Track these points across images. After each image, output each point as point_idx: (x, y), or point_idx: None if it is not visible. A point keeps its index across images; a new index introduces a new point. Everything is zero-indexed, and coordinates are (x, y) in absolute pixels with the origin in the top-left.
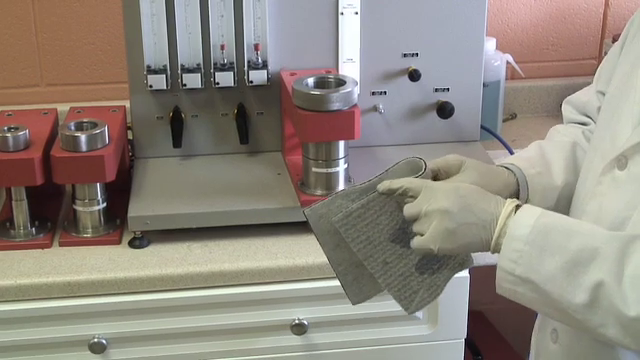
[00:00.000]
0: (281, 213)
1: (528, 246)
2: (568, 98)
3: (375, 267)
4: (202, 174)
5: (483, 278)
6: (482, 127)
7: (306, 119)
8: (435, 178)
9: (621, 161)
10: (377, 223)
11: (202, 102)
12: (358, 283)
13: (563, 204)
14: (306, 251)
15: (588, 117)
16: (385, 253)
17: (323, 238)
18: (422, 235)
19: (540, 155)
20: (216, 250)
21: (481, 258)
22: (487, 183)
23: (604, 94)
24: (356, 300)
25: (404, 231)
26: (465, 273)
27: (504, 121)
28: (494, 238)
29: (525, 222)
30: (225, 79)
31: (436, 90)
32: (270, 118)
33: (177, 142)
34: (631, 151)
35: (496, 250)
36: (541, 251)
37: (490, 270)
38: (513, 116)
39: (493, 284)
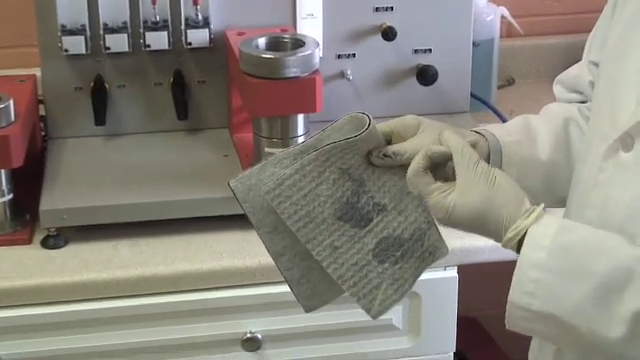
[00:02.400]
0: (227, 204)
1: (547, 273)
2: (558, 77)
3: (321, 253)
4: (131, 157)
5: (476, 278)
6: (472, 96)
7: (257, 89)
8: (389, 142)
9: (626, 141)
10: (317, 194)
11: (130, 69)
12: (308, 281)
13: (548, 187)
14: (258, 249)
15: (580, 93)
16: (332, 234)
17: (256, 218)
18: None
19: (524, 125)
20: (148, 250)
21: (472, 254)
22: None
23: (597, 65)
24: (309, 305)
25: (353, 206)
26: (453, 272)
27: (499, 88)
28: (506, 238)
29: (540, 242)
30: (158, 40)
31: (416, 51)
32: (214, 88)
33: (100, 118)
34: (638, 128)
35: (508, 246)
36: (563, 277)
37: (484, 268)
38: (510, 82)
39: (487, 285)
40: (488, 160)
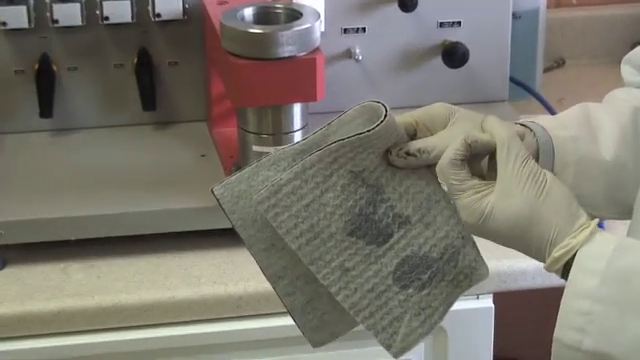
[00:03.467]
0: (206, 216)
1: (600, 304)
2: (628, 55)
3: (329, 276)
4: (85, 158)
5: (516, 309)
6: (512, 80)
7: (242, 72)
8: (413, 136)
9: None
10: (322, 204)
11: (84, 48)
12: (315, 309)
13: (613, 193)
14: (244, 273)
15: None
16: (342, 253)
17: (248, 233)
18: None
19: (583, 117)
20: (108, 273)
21: (512, 279)
22: None
23: None
24: (317, 338)
25: (368, 218)
26: (488, 302)
27: (546, 71)
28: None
29: (593, 266)
30: (118, 11)
31: (441, 25)
32: (188, 71)
33: (46, 109)
34: None
35: (553, 269)
36: (620, 309)
37: (526, 297)
38: (560, 63)
39: (531, 318)
40: (536, 159)
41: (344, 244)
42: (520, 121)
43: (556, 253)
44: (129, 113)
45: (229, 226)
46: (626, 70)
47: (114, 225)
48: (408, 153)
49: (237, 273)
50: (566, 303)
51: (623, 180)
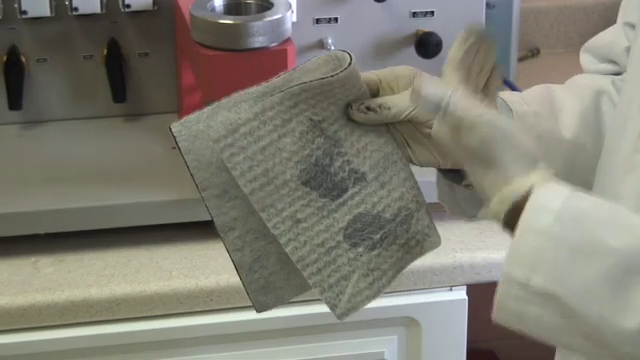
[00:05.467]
0: (177, 209)
1: (552, 242)
2: (586, 44)
3: (279, 225)
4: (54, 151)
5: (490, 300)
6: None
7: (213, 63)
8: (376, 95)
9: None
10: (279, 148)
11: (53, 39)
12: (262, 267)
13: (572, 171)
14: (217, 266)
15: (614, 63)
16: (295, 203)
17: (202, 175)
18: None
19: (546, 96)
20: (77, 268)
21: (485, 271)
22: None
23: (634, 27)
24: (261, 301)
25: (324, 169)
26: (462, 293)
27: (520, 60)
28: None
29: (548, 205)
30: (87, 2)
31: (414, 15)
32: (158, 62)
33: (15, 101)
34: None
35: (495, 216)
36: (573, 251)
37: None
38: (534, 52)
39: None
40: None
41: (297, 193)
42: None
43: (507, 188)
44: (99, 105)
45: (201, 219)
46: (586, 59)
47: (84, 219)
48: (369, 108)
49: (209, 266)
50: (517, 239)
51: (581, 161)
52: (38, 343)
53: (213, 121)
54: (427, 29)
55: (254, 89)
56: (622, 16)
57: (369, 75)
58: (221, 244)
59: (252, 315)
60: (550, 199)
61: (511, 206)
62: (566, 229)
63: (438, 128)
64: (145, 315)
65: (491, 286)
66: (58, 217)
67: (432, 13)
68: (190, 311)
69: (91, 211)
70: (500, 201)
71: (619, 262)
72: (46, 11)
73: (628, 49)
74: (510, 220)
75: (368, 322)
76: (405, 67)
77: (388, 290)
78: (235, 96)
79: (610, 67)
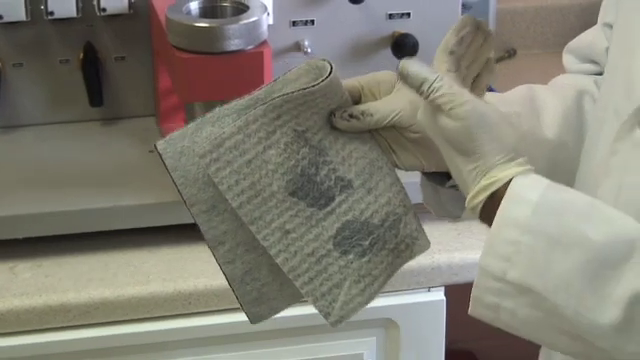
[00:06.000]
0: (154, 213)
1: (530, 235)
2: (569, 45)
3: (269, 237)
4: (31, 155)
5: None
6: None
7: (189, 66)
8: (358, 101)
9: None
10: (265, 160)
11: (29, 43)
12: (254, 280)
13: (553, 172)
14: (195, 270)
15: (596, 64)
16: (283, 214)
17: (189, 191)
18: None
19: (527, 96)
20: (55, 272)
21: (463, 271)
22: None
23: (612, 27)
24: (255, 312)
25: (310, 179)
26: (440, 294)
27: (497, 61)
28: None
29: (525, 197)
30: (63, 6)
31: (391, 16)
32: (135, 66)
33: None
34: None
35: (473, 208)
36: (550, 243)
37: None
38: (511, 53)
39: None
40: None
41: (285, 204)
42: None
43: (486, 181)
44: (76, 109)
45: (178, 222)
46: (568, 59)
47: (62, 223)
48: (351, 115)
49: (187, 270)
50: (494, 231)
51: (564, 159)
52: (16, 348)
53: (198, 137)
54: (403, 30)
55: (236, 102)
56: (602, 16)
57: (350, 82)
58: (199, 248)
59: (230, 318)
60: (528, 191)
61: (489, 197)
62: (544, 221)
63: (422, 113)
64: (123, 319)
65: (469, 287)
66: (36, 221)
67: (408, 15)
68: (168, 314)
69: (69, 215)
70: (478, 191)
71: (597, 255)
72: (22, 15)
73: (608, 49)
74: (488, 212)
75: (347, 324)
76: (386, 72)
77: None
78: (218, 110)
79: (592, 67)
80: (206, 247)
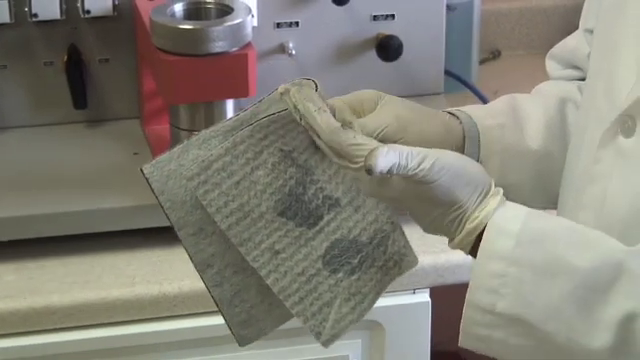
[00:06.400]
0: (140, 215)
1: (515, 266)
2: (551, 51)
3: (258, 258)
4: (15, 157)
5: (453, 303)
6: (447, 73)
7: (173, 68)
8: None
9: (626, 124)
10: (253, 181)
11: (12, 45)
12: (243, 301)
13: (539, 183)
14: (180, 272)
15: (578, 69)
16: (272, 235)
17: (177, 215)
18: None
19: (510, 107)
20: (39, 274)
21: (448, 273)
22: (416, 125)
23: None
24: (244, 334)
25: (298, 198)
26: (425, 296)
27: (482, 63)
28: (460, 233)
29: (507, 228)
30: (47, 8)
31: (375, 18)
32: (119, 68)
33: None
34: (639, 107)
35: (461, 249)
36: (536, 273)
37: (463, 291)
38: (495, 55)
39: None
40: (462, 149)
41: (274, 225)
42: (447, 109)
43: (470, 224)
44: (60, 111)
45: (163, 225)
46: (551, 65)
47: (46, 225)
48: None
49: (172, 272)
50: (480, 265)
51: (549, 170)
52: (0, 351)
53: (184, 159)
54: (388, 32)
55: (222, 124)
56: (582, 22)
57: (334, 101)
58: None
59: (215, 320)
60: (509, 222)
61: (477, 238)
62: (528, 252)
63: (384, 189)
64: (108, 321)
65: (455, 288)
66: (19, 224)
67: (393, 16)
68: (153, 317)
69: (53, 218)
70: (465, 236)
71: (583, 281)
72: (5, 17)
73: (590, 55)
74: (473, 250)
75: None
76: (368, 90)
77: None
78: (204, 133)
79: (575, 73)
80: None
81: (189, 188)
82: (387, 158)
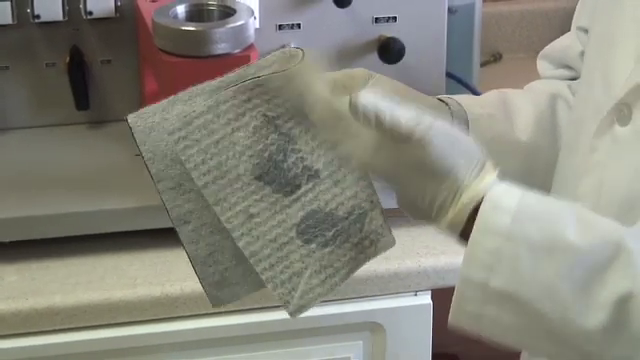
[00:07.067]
0: (141, 216)
1: (511, 242)
2: (543, 51)
3: (232, 219)
4: (17, 158)
5: None
6: (448, 75)
7: (175, 69)
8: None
9: (622, 112)
10: (232, 142)
11: (15, 46)
12: (217, 262)
13: (528, 174)
14: (182, 273)
15: (570, 69)
16: (248, 198)
17: (157, 167)
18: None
19: (500, 100)
20: (42, 276)
21: (450, 275)
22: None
23: (587, 31)
24: (217, 296)
25: (277, 165)
26: (426, 298)
27: (483, 65)
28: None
29: (504, 204)
30: (49, 9)
31: (377, 20)
32: (121, 69)
33: None
34: (635, 95)
35: (455, 225)
36: (532, 249)
37: None
38: (496, 57)
39: None
40: None
41: (250, 187)
42: (437, 96)
43: (465, 198)
44: (62, 112)
45: (165, 226)
46: (543, 65)
47: (48, 226)
48: None
49: (174, 273)
50: (475, 240)
51: (537, 164)
52: (2, 351)
53: (169, 114)
54: (390, 34)
55: (210, 83)
56: (575, 21)
57: (327, 78)
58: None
59: (217, 322)
60: (506, 198)
61: (471, 213)
62: (525, 228)
63: (376, 152)
64: (110, 322)
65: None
66: (21, 225)
67: (394, 19)
68: (155, 318)
69: (55, 219)
70: (460, 210)
71: (581, 260)
72: (8, 19)
73: (582, 54)
74: (466, 227)
75: (333, 328)
76: (360, 69)
77: (353, 295)
78: (192, 89)
79: (566, 73)
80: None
81: (170, 142)
82: (373, 96)
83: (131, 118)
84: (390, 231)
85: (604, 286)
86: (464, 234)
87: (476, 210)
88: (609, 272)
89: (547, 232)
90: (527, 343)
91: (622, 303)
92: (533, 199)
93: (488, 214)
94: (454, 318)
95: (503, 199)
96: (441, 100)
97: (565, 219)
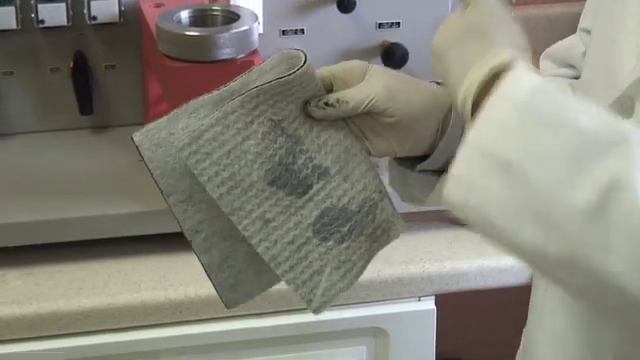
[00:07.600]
0: (145, 221)
1: (519, 113)
2: (546, 51)
3: (249, 227)
4: (21, 163)
5: (459, 310)
6: None
7: (179, 74)
8: (330, 90)
9: (625, 104)
10: (243, 151)
11: (19, 52)
12: (230, 267)
13: None
14: (185, 278)
15: (572, 67)
16: (263, 204)
17: (166, 182)
18: None
19: None
20: (45, 280)
21: (454, 281)
22: (404, 94)
23: (589, 32)
24: (231, 298)
25: (288, 168)
26: (430, 303)
27: None
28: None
29: (525, 79)
30: (53, 14)
31: (380, 26)
32: (125, 74)
33: None
34: (638, 88)
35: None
36: (540, 122)
37: (468, 298)
38: None
39: (473, 319)
40: (449, 118)
41: (265, 194)
42: (435, 80)
43: (494, 62)
44: (66, 117)
45: (169, 231)
46: (546, 64)
47: (52, 231)
48: (327, 104)
49: (177, 278)
50: (490, 106)
51: None
52: (6, 356)
53: (174, 128)
54: (393, 40)
55: (211, 95)
56: (581, 22)
57: (322, 72)
58: (190, 256)
59: (220, 327)
60: (529, 76)
61: (488, 73)
62: (539, 101)
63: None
64: (113, 327)
65: (460, 296)
66: (26, 230)
67: (398, 24)
68: (159, 323)
69: (59, 223)
70: (483, 71)
71: (585, 140)
72: (12, 24)
73: (585, 54)
74: (478, 100)
75: (337, 333)
76: (357, 61)
77: (357, 300)
78: (193, 103)
79: (569, 72)
80: (194, 256)
81: (180, 157)
82: None
83: (137, 137)
84: (400, 218)
85: (598, 168)
86: (476, 105)
87: (494, 76)
88: (606, 157)
89: (560, 109)
90: (508, 223)
91: (609, 191)
92: (556, 83)
93: (508, 82)
94: (447, 189)
95: (526, 75)
96: (439, 84)
97: (581, 105)
